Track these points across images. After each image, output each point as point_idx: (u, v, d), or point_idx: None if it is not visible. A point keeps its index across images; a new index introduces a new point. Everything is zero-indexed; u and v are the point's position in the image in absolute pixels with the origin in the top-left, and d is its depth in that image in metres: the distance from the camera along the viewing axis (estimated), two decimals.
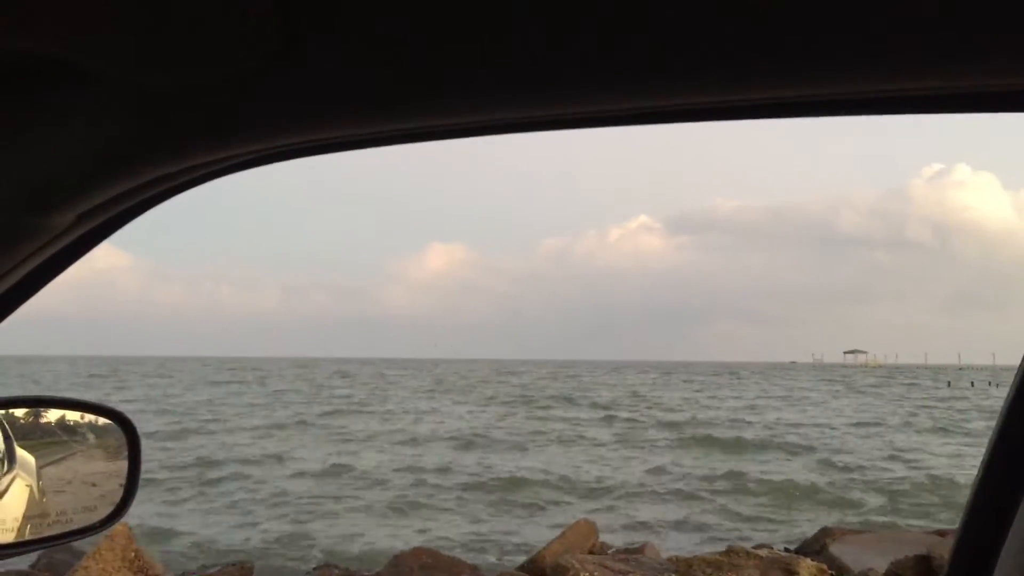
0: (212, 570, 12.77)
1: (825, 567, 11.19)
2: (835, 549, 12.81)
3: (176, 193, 1.15)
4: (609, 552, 13.22)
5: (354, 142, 1.11)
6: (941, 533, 13.60)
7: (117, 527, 10.55)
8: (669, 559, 12.13)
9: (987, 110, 1.09)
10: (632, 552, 13.06)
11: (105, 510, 1.53)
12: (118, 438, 1.57)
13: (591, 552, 12.79)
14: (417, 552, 12.72)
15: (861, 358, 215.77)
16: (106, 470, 1.58)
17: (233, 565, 12.81)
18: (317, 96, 0.98)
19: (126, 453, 1.56)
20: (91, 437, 1.57)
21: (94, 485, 1.56)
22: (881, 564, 11.20)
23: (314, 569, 13.48)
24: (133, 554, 10.42)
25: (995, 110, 1.10)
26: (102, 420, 1.56)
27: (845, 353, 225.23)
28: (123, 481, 1.55)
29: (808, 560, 11.38)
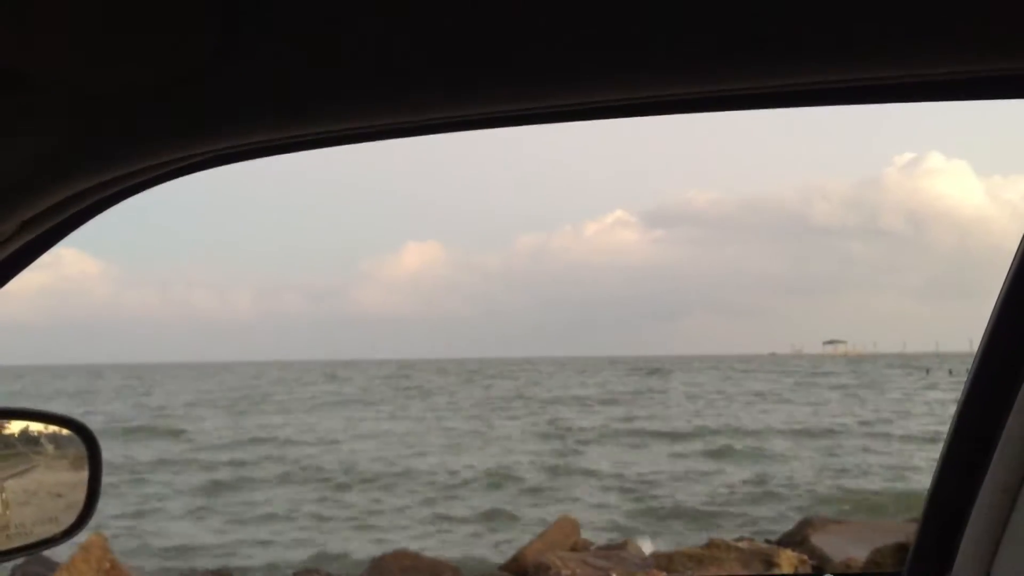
0: None
1: (805, 557, 11.30)
2: (816, 540, 12.90)
3: (125, 197, 1.12)
4: (591, 549, 13.25)
5: (310, 141, 1.08)
6: None
7: (91, 538, 10.47)
8: (651, 554, 12.20)
9: (964, 98, 1.09)
10: (614, 548, 13.11)
11: (68, 521, 1.50)
12: (80, 448, 1.54)
13: (573, 549, 12.82)
14: (398, 555, 12.71)
15: (840, 348, 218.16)
16: (71, 481, 1.55)
17: (212, 572, 12.75)
18: (265, 94, 0.95)
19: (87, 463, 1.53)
20: (55, 448, 1.55)
21: (59, 496, 1.54)
22: (862, 553, 11.30)
23: (295, 574, 13.42)
24: (108, 564, 10.32)
25: (974, 97, 1.10)
26: (65, 431, 1.53)
27: (824, 343, 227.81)
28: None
29: (789, 551, 11.49)
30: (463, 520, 18.94)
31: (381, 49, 0.89)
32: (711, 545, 11.46)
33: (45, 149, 0.97)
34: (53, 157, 0.98)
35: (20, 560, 11.92)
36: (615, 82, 0.94)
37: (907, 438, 29.95)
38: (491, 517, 18.89)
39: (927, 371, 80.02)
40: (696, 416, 39.65)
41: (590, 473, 24.32)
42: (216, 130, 0.99)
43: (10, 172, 0.97)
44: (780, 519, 17.63)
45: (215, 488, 22.85)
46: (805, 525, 14.07)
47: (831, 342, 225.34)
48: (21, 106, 0.91)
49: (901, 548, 10.68)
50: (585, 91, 0.96)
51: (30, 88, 0.89)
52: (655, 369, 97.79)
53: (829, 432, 32.10)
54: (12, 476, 1.50)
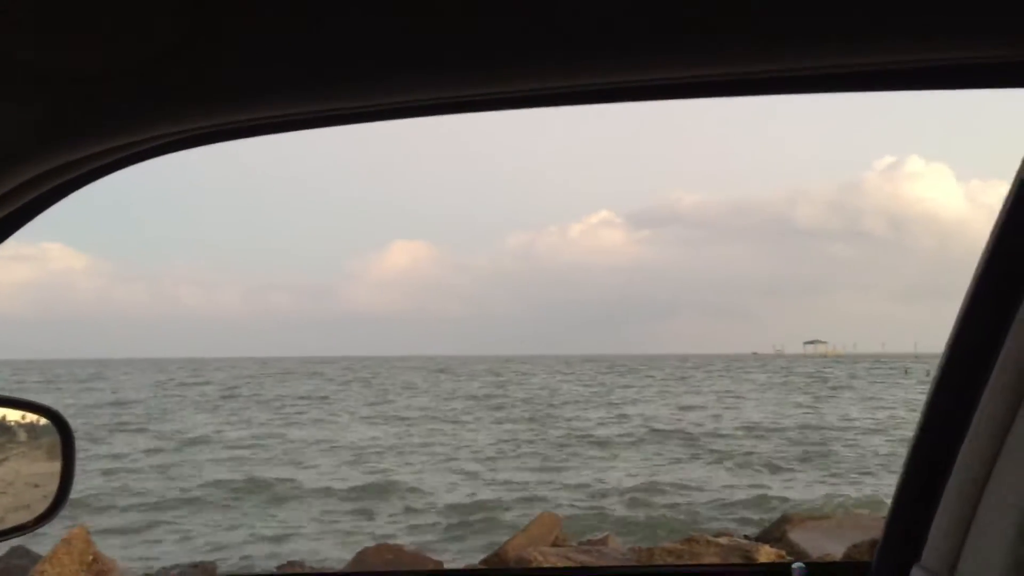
0: (173, 572, 12.64)
1: (783, 553, 11.35)
2: (794, 536, 12.94)
3: (102, 175, 1.11)
4: (572, 544, 13.26)
5: (295, 122, 1.07)
6: None
7: (74, 531, 10.40)
8: (631, 549, 12.23)
9: (958, 86, 1.09)
10: (595, 543, 13.13)
11: (40, 508, 1.50)
12: (55, 436, 1.54)
13: (554, 544, 12.81)
14: (381, 548, 12.67)
15: (820, 348, 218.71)
16: (49, 470, 1.55)
17: (195, 566, 12.69)
18: (249, 71, 0.94)
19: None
20: (31, 437, 1.55)
21: (37, 486, 1.54)
22: (839, 549, 11.35)
23: (279, 568, 13.37)
24: (91, 557, 10.25)
25: (968, 86, 1.09)
26: (41, 420, 1.54)
27: (805, 344, 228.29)
28: None
29: (767, 547, 11.54)
30: None
31: (367, 27, 0.88)
32: (690, 540, 11.49)
33: (20, 125, 0.95)
34: (28, 134, 0.96)
35: (3, 552, 11.83)
36: (602, 65, 0.93)
37: None
38: None
39: (906, 371, 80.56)
40: None
41: None
42: (198, 108, 0.98)
43: None
44: None
45: None
46: (783, 522, 14.12)
47: (812, 342, 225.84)
48: None
49: (877, 543, 10.73)
50: (570, 74, 0.95)
51: (4, 63, 0.87)
52: (630, 368, 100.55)
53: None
54: None
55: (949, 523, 1.57)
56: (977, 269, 1.56)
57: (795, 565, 1.99)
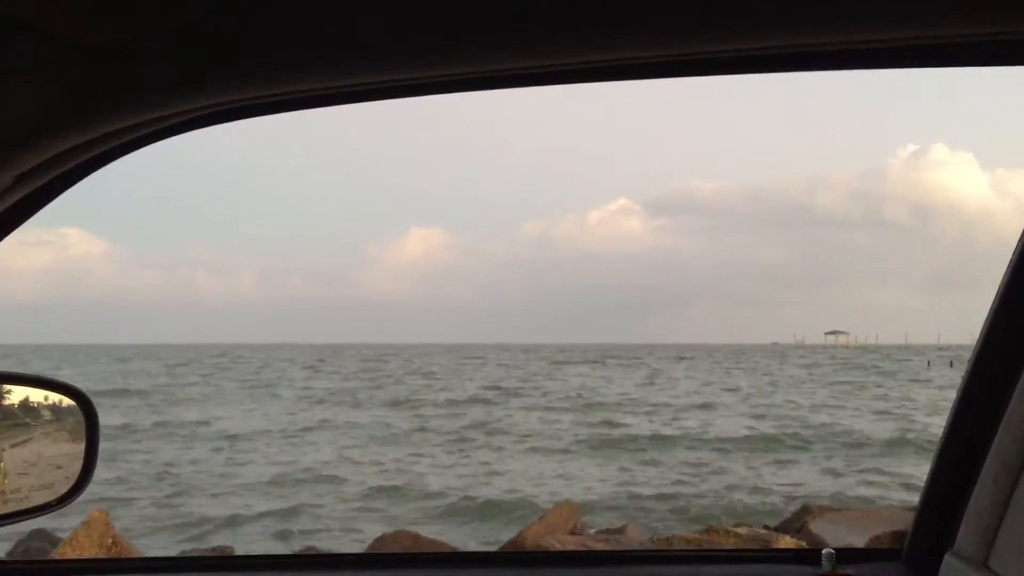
0: (191, 555, 12.76)
1: (804, 544, 11.32)
2: (814, 527, 12.91)
3: (125, 152, 1.10)
4: (590, 533, 13.29)
5: (315, 98, 1.06)
6: None
7: (94, 513, 10.52)
8: (650, 538, 12.24)
9: (963, 63, 1.07)
10: (613, 532, 13.15)
11: (63, 488, 1.50)
12: (79, 416, 1.53)
13: (572, 533, 12.84)
14: (399, 535, 12.74)
15: (842, 339, 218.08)
16: (71, 451, 1.55)
17: (213, 550, 12.81)
18: (269, 46, 0.93)
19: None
20: (56, 417, 1.54)
21: (59, 467, 1.53)
22: (860, 541, 11.32)
23: (293, 554, 13.47)
24: (111, 540, 10.37)
25: (973, 63, 1.08)
26: (65, 400, 1.53)
27: (826, 334, 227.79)
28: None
29: (787, 537, 11.52)
30: None
31: (384, 3, 0.88)
32: (710, 530, 11.51)
33: (42, 100, 0.94)
34: (51, 109, 0.95)
35: (24, 535, 11.98)
36: (618, 40, 0.92)
37: None
38: None
39: (928, 363, 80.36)
40: None
41: None
42: (219, 84, 0.97)
43: (5, 124, 0.94)
44: None
45: None
46: (804, 512, 14.09)
47: (833, 332, 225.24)
48: (18, 56, 0.89)
49: (899, 536, 10.68)
50: (588, 49, 0.94)
51: (28, 37, 0.86)
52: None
53: None
54: (13, 445, 1.50)
55: (983, 510, 1.56)
56: (1012, 258, 1.55)
57: (825, 551, 1.97)
